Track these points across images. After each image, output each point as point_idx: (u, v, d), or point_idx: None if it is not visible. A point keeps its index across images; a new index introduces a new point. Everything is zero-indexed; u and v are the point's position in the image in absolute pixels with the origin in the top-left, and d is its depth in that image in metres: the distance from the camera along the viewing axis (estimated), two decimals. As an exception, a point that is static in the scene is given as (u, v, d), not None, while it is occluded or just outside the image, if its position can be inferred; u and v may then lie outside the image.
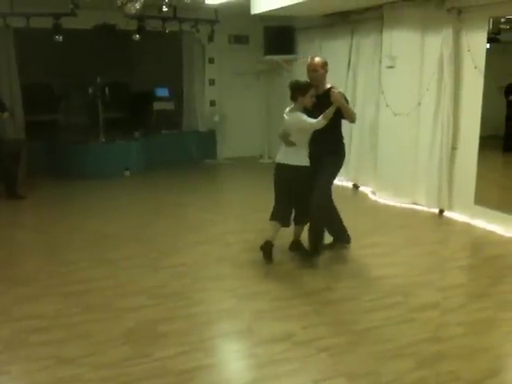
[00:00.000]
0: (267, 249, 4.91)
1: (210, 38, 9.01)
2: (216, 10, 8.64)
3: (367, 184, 7.80)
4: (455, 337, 3.59)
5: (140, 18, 8.13)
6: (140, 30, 8.40)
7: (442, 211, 6.50)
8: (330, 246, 5.26)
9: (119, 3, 6.60)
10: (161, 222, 6.32)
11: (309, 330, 3.67)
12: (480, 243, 5.63)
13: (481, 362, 3.29)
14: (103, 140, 9.08)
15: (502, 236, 5.66)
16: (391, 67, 6.95)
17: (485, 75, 5.84)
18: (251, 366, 3.33)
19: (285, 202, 4.88)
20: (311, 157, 4.74)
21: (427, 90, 6.54)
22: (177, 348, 3.45)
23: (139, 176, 8.92)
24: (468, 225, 6.10)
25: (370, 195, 7.56)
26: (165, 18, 8.28)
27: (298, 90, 4.69)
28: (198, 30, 8.89)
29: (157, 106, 10.58)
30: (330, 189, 4.95)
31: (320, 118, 4.55)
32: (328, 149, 4.85)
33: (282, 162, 4.84)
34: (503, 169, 6.95)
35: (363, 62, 7.66)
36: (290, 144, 4.73)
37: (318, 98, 4.69)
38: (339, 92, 4.64)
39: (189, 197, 7.66)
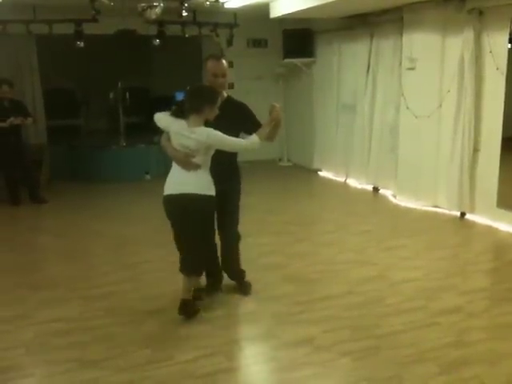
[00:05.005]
0: (189, 310, 3.89)
1: (229, 42, 9.03)
2: (235, 13, 8.67)
3: (387, 187, 7.75)
4: (479, 341, 3.55)
5: (160, 23, 8.19)
6: (160, 35, 8.46)
7: (463, 214, 6.43)
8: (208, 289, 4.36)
9: (140, 9, 6.67)
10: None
11: (330, 334, 3.66)
12: (502, 246, 5.56)
13: (505, 367, 3.25)
14: (124, 144, 9.16)
15: (525, 239, 5.60)
16: (411, 69, 6.90)
17: (507, 76, 5.78)
18: (272, 369, 3.33)
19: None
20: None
21: (448, 91, 6.48)
22: (198, 351, 3.46)
23: (159, 179, 8.90)
24: (490, 228, 6.03)
25: (391, 198, 7.51)
26: (184, 23, 8.33)
27: (207, 99, 3.66)
28: (217, 34, 8.93)
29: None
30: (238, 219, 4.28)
31: (254, 137, 3.73)
32: (230, 174, 4.09)
33: (181, 193, 3.71)
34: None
35: (383, 64, 7.62)
36: (194, 167, 3.69)
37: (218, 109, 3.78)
38: (279, 107, 3.88)
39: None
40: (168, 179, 3.85)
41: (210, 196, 3.74)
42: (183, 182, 3.72)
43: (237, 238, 4.30)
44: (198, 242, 3.81)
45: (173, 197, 3.76)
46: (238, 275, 4.42)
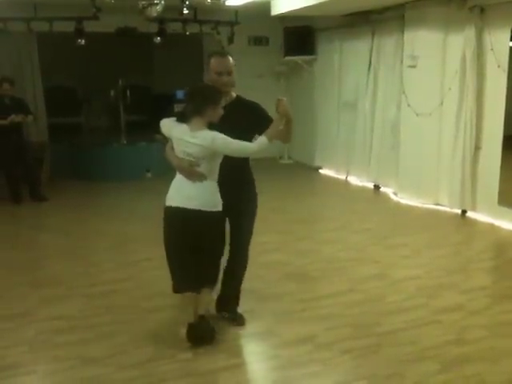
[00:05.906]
0: (203, 332, 3.53)
1: (231, 40, 9.03)
2: (236, 11, 8.66)
3: (389, 185, 7.75)
4: (480, 339, 3.55)
5: (161, 20, 8.19)
6: (161, 33, 8.47)
7: (464, 212, 6.43)
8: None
9: (140, 6, 6.67)
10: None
11: (331, 332, 3.66)
12: (504, 244, 5.56)
13: (506, 365, 3.25)
14: (125, 142, 9.15)
15: (526, 237, 5.59)
16: (413, 67, 6.90)
17: (508, 74, 5.77)
18: (274, 367, 3.33)
19: (194, 263, 3.49)
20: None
21: (449, 89, 6.48)
22: (199, 349, 3.46)
23: (160, 177, 8.93)
24: (491, 225, 6.03)
25: (392, 196, 7.51)
26: (185, 21, 8.33)
27: (209, 100, 3.27)
28: (218, 32, 8.92)
29: (177, 108, 10.56)
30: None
31: (263, 138, 3.29)
32: (242, 192, 3.63)
33: (186, 208, 3.31)
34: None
35: (384, 62, 7.61)
36: (199, 177, 3.30)
37: (225, 110, 3.35)
38: (286, 101, 3.46)
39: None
40: (171, 188, 3.44)
41: (217, 212, 3.36)
42: (188, 195, 3.32)
43: (245, 260, 3.89)
44: (206, 259, 3.51)
45: (176, 210, 3.37)
46: (234, 298, 3.95)
